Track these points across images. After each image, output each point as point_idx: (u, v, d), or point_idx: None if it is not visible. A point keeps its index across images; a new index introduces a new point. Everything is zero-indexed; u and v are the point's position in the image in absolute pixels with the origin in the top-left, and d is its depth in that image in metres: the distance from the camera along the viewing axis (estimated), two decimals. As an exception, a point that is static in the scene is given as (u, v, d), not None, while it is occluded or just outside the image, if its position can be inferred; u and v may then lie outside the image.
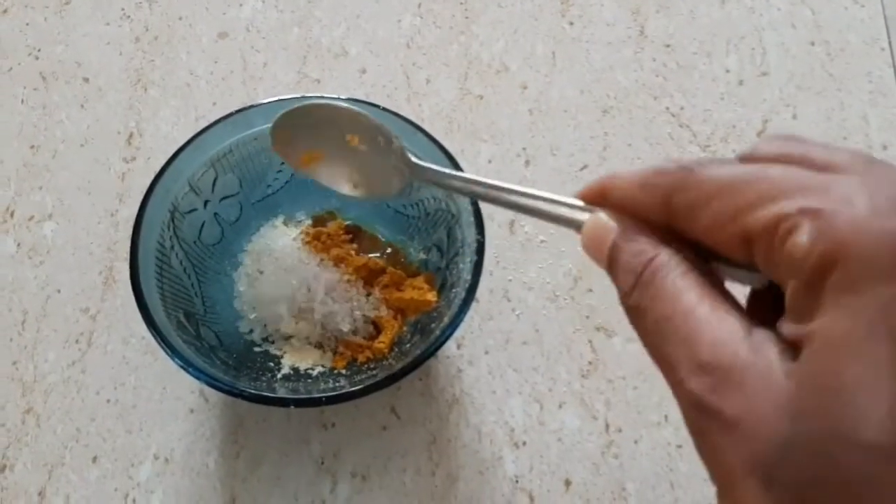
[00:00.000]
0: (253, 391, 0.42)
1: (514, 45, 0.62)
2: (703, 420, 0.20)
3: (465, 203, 0.46)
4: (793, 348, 0.20)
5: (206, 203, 0.50)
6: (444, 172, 0.34)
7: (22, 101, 0.60)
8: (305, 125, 0.39)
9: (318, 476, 0.47)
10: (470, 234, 0.45)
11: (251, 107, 0.49)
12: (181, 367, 0.41)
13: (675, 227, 0.24)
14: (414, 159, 0.36)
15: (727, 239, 0.22)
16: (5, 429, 0.49)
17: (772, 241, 0.20)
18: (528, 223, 0.55)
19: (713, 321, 0.21)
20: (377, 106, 0.49)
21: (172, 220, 0.48)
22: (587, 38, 0.62)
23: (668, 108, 0.59)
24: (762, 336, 0.20)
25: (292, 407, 0.48)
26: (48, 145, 0.58)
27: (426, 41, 0.62)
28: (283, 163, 0.52)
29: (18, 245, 0.54)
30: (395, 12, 0.63)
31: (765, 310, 0.23)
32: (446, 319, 0.43)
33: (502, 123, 0.59)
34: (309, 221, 0.53)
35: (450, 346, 0.51)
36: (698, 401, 0.20)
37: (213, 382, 0.42)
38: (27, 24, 0.63)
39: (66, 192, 0.56)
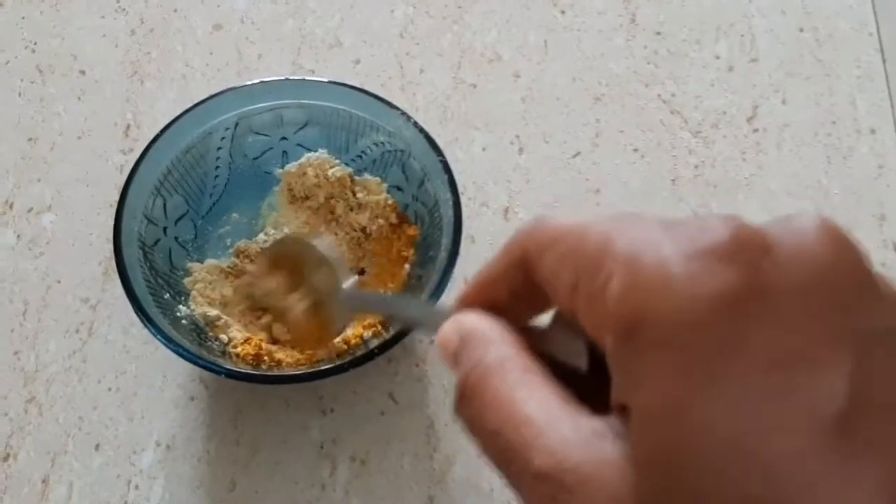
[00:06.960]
0: (251, 371, 0.43)
1: (507, 34, 0.62)
2: None
3: (412, 133, 0.48)
4: (625, 421, 0.19)
5: (165, 230, 0.50)
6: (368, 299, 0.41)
7: (19, 94, 0.60)
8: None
9: (317, 461, 0.48)
10: (443, 193, 0.46)
11: (175, 120, 0.49)
12: (176, 352, 0.42)
13: (534, 286, 0.22)
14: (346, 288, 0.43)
15: (562, 288, 0.21)
16: (8, 418, 0.50)
17: (593, 286, 0.19)
18: (522, 210, 0.56)
19: (542, 424, 0.19)
20: (373, 95, 0.50)
21: (145, 256, 0.48)
22: (579, 26, 0.63)
23: (659, 95, 0.59)
24: (592, 426, 0.19)
25: (293, 385, 0.48)
26: (46, 138, 0.59)
27: (419, 31, 0.62)
28: (217, 167, 0.52)
29: (18, 237, 0.55)
30: (388, 3, 0.64)
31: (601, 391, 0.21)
32: (433, 281, 0.44)
33: (495, 112, 0.59)
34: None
35: (446, 332, 0.51)
36: None
37: (208, 365, 0.42)
38: (23, 18, 0.63)
39: (65, 183, 0.57)
